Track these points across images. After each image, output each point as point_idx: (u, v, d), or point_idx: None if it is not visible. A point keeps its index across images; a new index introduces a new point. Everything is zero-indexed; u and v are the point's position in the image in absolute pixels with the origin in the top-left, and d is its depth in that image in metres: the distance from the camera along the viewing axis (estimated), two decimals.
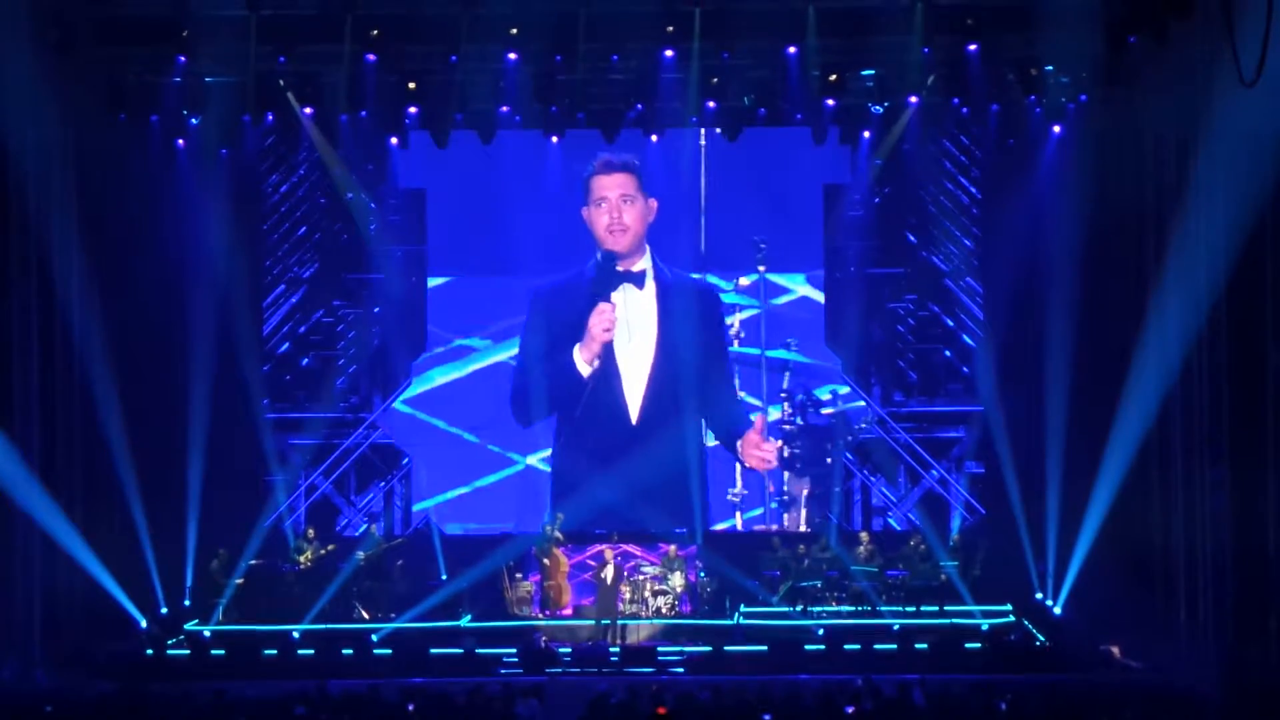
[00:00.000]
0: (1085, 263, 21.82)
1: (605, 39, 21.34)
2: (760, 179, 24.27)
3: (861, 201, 24.33)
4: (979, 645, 19.98)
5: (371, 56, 21.37)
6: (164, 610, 21.60)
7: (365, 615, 21.00)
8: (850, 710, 14.92)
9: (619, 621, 20.47)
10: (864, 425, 24.19)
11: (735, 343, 23.31)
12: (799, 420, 23.63)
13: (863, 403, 24.52)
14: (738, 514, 23.69)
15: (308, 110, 22.23)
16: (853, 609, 20.95)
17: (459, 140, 22.56)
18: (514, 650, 19.73)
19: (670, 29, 21.15)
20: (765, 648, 19.79)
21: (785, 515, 23.41)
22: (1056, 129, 22.24)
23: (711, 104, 22.02)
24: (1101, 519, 21.03)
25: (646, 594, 20.80)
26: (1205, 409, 19.66)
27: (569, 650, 19.81)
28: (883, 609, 20.89)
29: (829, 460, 23.55)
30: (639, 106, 22.10)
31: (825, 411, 24.03)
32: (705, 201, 24.23)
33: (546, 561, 20.90)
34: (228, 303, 22.87)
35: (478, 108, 22.14)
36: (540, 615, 20.78)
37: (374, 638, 20.11)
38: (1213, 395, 19.53)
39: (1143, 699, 15.50)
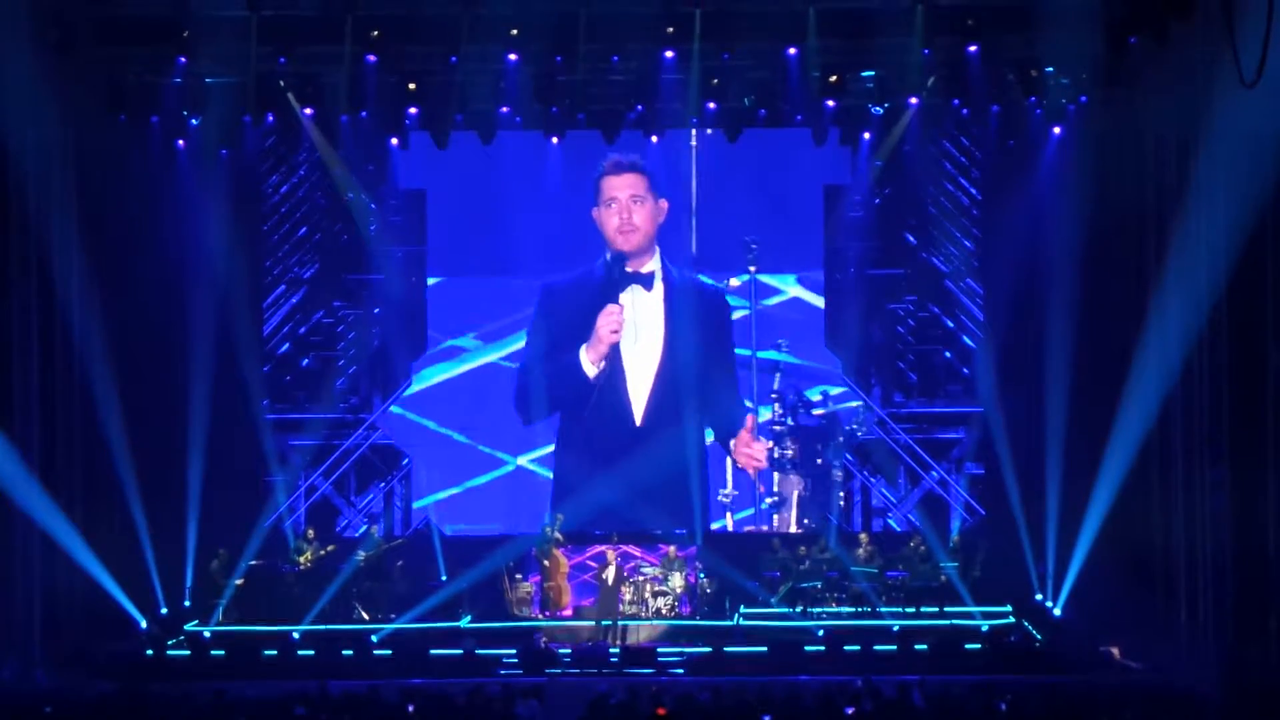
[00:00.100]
0: (1085, 264, 21.82)
1: (605, 40, 21.34)
2: (760, 180, 24.26)
3: (862, 202, 24.32)
4: (979, 646, 19.98)
5: (372, 57, 21.38)
6: (164, 610, 21.60)
7: (365, 616, 21.00)
8: (850, 711, 14.91)
9: (619, 622, 20.48)
10: (855, 426, 24.16)
11: None
12: (790, 421, 23.63)
13: (855, 404, 24.50)
14: (728, 515, 23.68)
15: (308, 111, 22.23)
16: (852, 610, 20.95)
17: (459, 141, 22.57)
18: (514, 651, 19.73)
19: (671, 30, 21.15)
20: (765, 649, 19.79)
21: (776, 516, 23.41)
22: (1057, 130, 22.25)
23: (712, 105, 22.03)
24: (1101, 520, 21.03)
25: (646, 595, 20.81)
26: (1205, 409, 19.66)
27: (569, 651, 19.81)
28: (882, 610, 20.89)
29: (819, 461, 23.56)
30: (639, 107, 22.10)
31: (816, 412, 24.02)
32: (697, 202, 24.21)
33: (546, 563, 20.90)
34: (228, 303, 22.87)
35: (478, 108, 22.15)
36: (540, 616, 20.78)
37: (374, 638, 20.11)
38: (1213, 396, 19.53)
39: (1143, 700, 15.49)
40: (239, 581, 21.23)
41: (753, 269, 23.67)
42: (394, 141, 23.30)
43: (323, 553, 21.49)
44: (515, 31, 21.08)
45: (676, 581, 20.86)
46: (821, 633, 20.07)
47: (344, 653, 19.76)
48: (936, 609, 20.91)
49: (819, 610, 20.93)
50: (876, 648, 19.72)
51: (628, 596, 20.75)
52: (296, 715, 15.06)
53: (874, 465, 24.42)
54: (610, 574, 20.78)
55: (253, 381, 23.38)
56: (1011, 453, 22.62)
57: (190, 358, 22.38)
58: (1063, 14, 20.39)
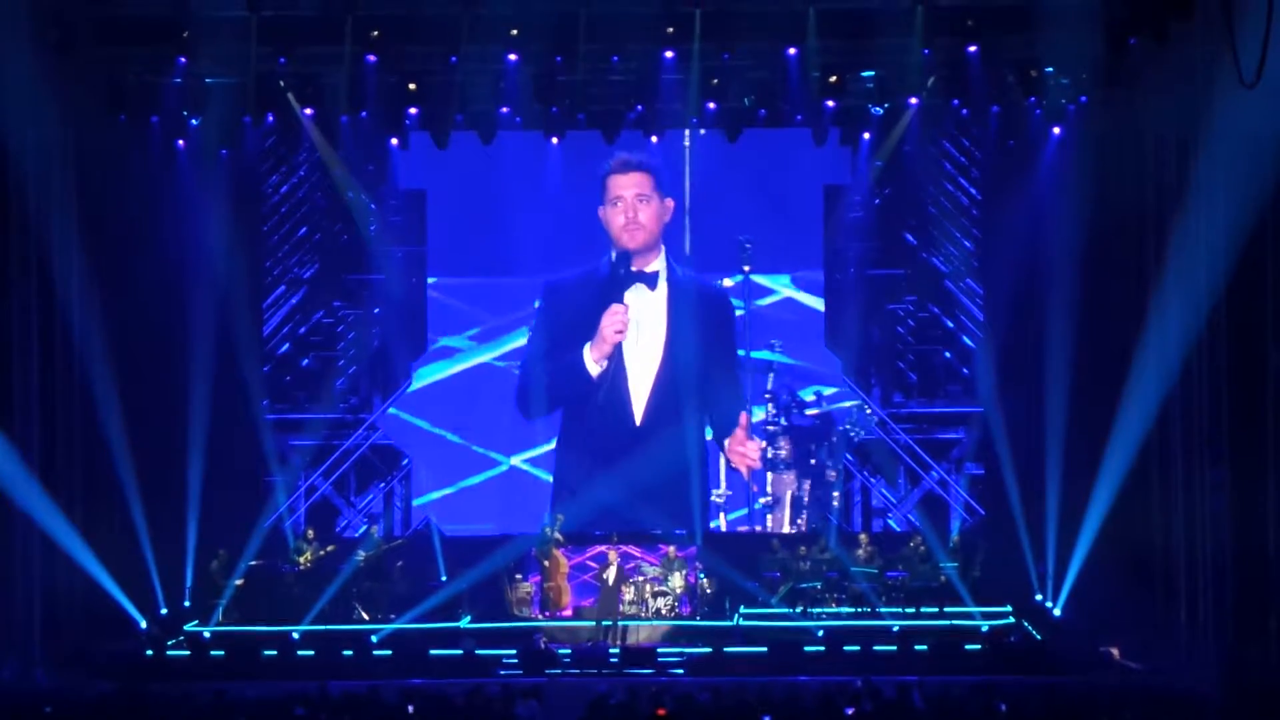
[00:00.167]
0: (1085, 264, 21.82)
1: (606, 40, 21.34)
2: (759, 180, 24.24)
3: (861, 203, 24.32)
4: (979, 646, 19.98)
5: (372, 57, 21.37)
6: (164, 611, 21.61)
7: (365, 616, 21.00)
8: (850, 712, 14.90)
9: (619, 622, 20.48)
10: (849, 426, 24.14)
11: None
12: (783, 421, 23.63)
13: (849, 404, 24.49)
14: (721, 515, 23.66)
15: (308, 111, 22.23)
16: (852, 610, 20.95)
17: (459, 141, 22.56)
18: (514, 651, 19.73)
19: (671, 30, 21.15)
20: (765, 649, 19.80)
21: (769, 516, 23.41)
22: (1056, 130, 22.25)
23: (712, 105, 22.02)
24: (1101, 520, 21.02)
25: (646, 595, 20.81)
26: (1205, 410, 19.65)
27: (569, 651, 19.81)
28: (882, 610, 20.89)
29: (813, 461, 23.56)
30: (639, 107, 22.09)
31: (810, 413, 24.02)
32: (691, 202, 24.18)
33: (546, 563, 20.90)
34: (228, 303, 22.87)
35: (478, 108, 22.14)
36: (540, 616, 20.78)
37: (374, 639, 20.12)
38: (1212, 396, 19.52)
39: (1142, 700, 15.48)
40: (239, 582, 21.23)
41: (747, 269, 23.66)
42: (394, 141, 23.30)
43: (322, 553, 21.49)
44: (515, 31, 21.08)
45: (676, 582, 20.86)
46: (821, 633, 20.07)
47: (344, 653, 19.76)
48: (936, 609, 20.90)
49: (819, 611, 20.92)
50: (876, 648, 19.73)
51: (628, 597, 20.76)
52: (296, 716, 15.05)
53: (874, 465, 24.42)
54: (611, 574, 20.78)
55: (253, 381, 23.38)
56: (1011, 453, 22.62)
57: (190, 358, 22.38)
58: (1062, 14, 20.39)
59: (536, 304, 22.40)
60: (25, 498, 20.00)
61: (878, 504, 24.52)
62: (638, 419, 21.57)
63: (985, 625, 20.53)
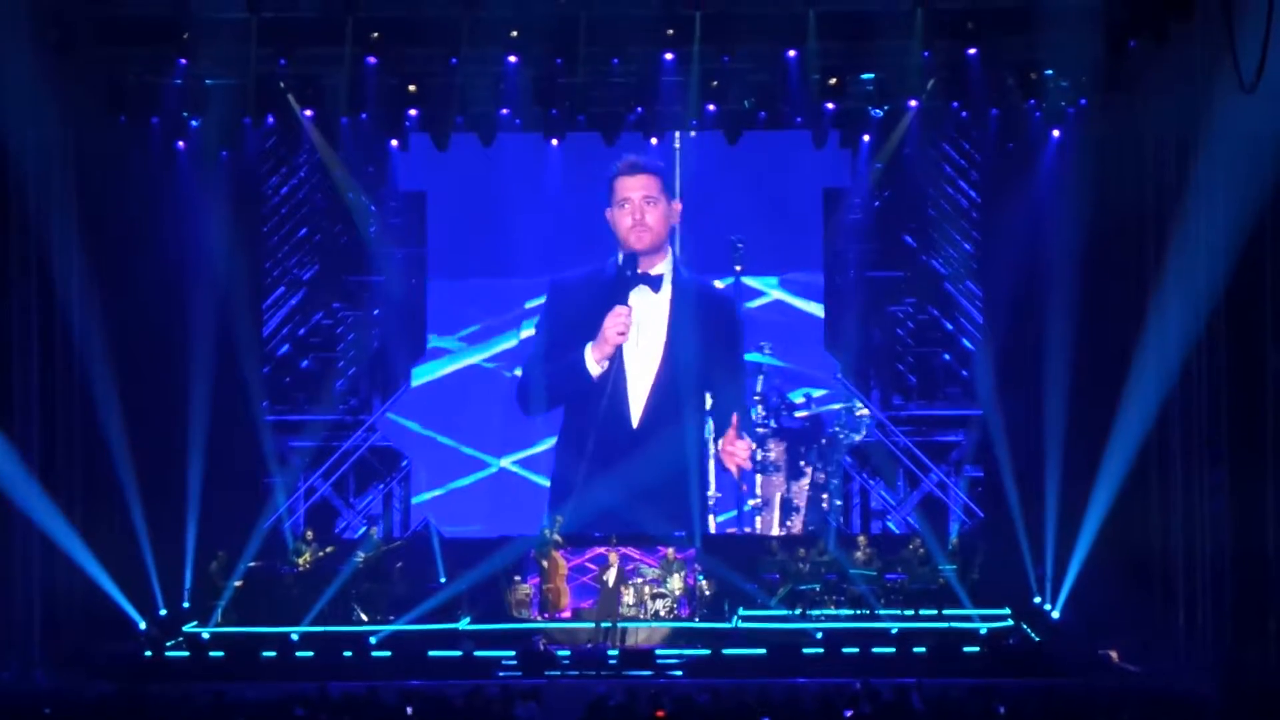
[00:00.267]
0: (1085, 266, 21.83)
1: (606, 42, 21.35)
2: (758, 182, 24.22)
3: (861, 205, 24.32)
4: (977, 649, 19.99)
5: (372, 59, 21.39)
6: (163, 612, 21.61)
7: (364, 617, 21.01)
8: (849, 714, 14.91)
9: (618, 624, 20.48)
10: (838, 428, 24.13)
11: None
12: (773, 423, 23.65)
13: (838, 405, 24.45)
14: (711, 517, 23.64)
15: (308, 112, 22.24)
16: (851, 612, 20.96)
17: (459, 143, 22.57)
18: (513, 653, 19.73)
19: (671, 32, 21.17)
20: (764, 651, 19.80)
21: (758, 518, 23.42)
22: (1056, 133, 22.26)
23: (712, 107, 22.03)
24: (1100, 522, 21.03)
25: (645, 597, 20.82)
26: (1204, 412, 19.66)
27: (568, 653, 19.82)
28: (881, 612, 20.90)
29: (803, 463, 23.58)
30: (639, 110, 22.10)
31: (799, 415, 24.02)
32: (683, 203, 24.15)
33: (545, 564, 20.91)
34: (228, 304, 22.88)
35: (478, 110, 22.15)
36: (539, 618, 20.78)
37: (373, 640, 20.12)
38: (1212, 398, 19.53)
39: (1141, 702, 15.48)
40: (238, 583, 21.25)
41: (738, 269, 23.65)
42: (394, 143, 23.30)
43: (322, 554, 21.50)
44: (515, 34, 21.09)
45: (675, 583, 20.87)
46: (820, 635, 20.08)
47: (343, 654, 19.76)
48: (935, 611, 20.92)
49: (818, 612, 20.93)
50: (875, 650, 19.74)
51: (627, 598, 20.76)
52: (296, 716, 15.06)
53: (873, 468, 24.42)
54: (611, 575, 20.79)
55: (252, 383, 23.39)
56: (1010, 455, 22.63)
57: (190, 358, 22.40)
58: (1062, 17, 20.40)
59: (537, 302, 22.41)
60: (25, 498, 20.01)
61: (877, 506, 24.51)
62: (635, 421, 21.60)
63: (984, 627, 20.54)
